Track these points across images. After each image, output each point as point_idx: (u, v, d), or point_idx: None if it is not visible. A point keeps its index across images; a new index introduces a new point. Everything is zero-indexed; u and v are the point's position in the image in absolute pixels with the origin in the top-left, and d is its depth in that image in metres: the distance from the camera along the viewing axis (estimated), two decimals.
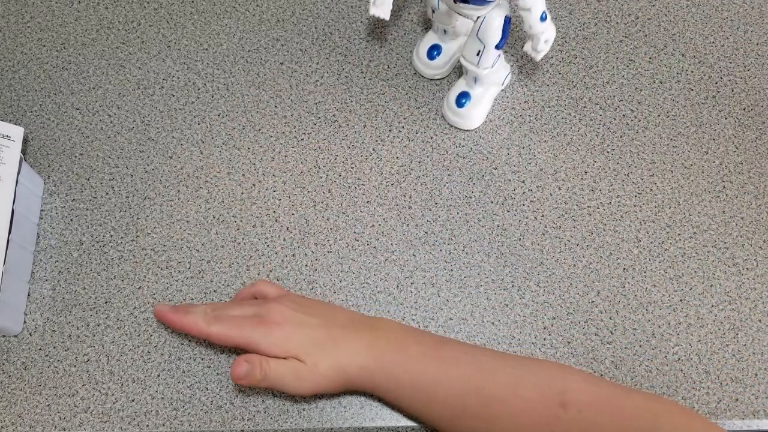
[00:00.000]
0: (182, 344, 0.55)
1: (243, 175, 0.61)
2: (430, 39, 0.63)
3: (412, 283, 0.57)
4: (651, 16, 0.68)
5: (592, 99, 0.64)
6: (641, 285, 0.57)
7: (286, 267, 0.58)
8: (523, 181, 0.61)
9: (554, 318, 0.56)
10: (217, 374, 0.54)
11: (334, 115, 0.63)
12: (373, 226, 0.59)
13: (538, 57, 0.55)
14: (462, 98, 0.60)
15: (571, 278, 0.57)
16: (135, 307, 0.57)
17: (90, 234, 0.59)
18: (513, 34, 0.66)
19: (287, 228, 0.59)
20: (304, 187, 0.61)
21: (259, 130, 0.63)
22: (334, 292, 0.57)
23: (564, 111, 0.63)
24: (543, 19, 0.52)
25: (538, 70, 0.65)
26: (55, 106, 0.64)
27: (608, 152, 0.62)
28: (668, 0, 0.68)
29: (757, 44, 0.66)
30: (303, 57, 0.66)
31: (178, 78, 0.65)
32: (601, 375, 0.54)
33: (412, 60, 0.65)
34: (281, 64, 0.66)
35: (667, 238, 0.58)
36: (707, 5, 0.68)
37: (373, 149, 0.62)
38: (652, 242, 0.58)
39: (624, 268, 0.57)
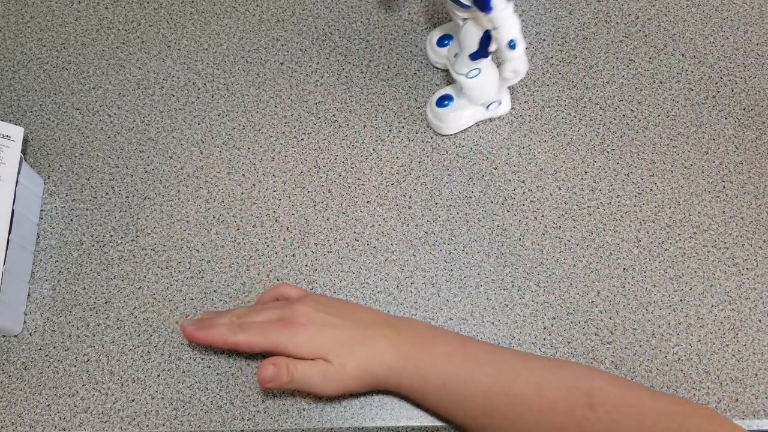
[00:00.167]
0: (182, 344, 0.55)
1: (243, 175, 0.61)
2: (446, 28, 0.63)
3: (412, 283, 0.57)
4: (651, 16, 0.68)
5: (592, 99, 0.64)
6: (641, 285, 0.57)
7: (286, 267, 0.58)
8: (523, 181, 0.61)
9: (554, 318, 0.56)
10: (217, 374, 0.54)
11: (334, 115, 0.63)
12: (373, 226, 0.59)
13: (504, 84, 0.56)
14: (445, 99, 0.60)
15: (571, 278, 0.57)
16: (135, 307, 0.57)
17: (90, 234, 0.59)
18: None
19: (287, 228, 0.59)
20: (304, 187, 0.61)
21: (259, 130, 0.63)
22: (334, 292, 0.57)
23: (564, 111, 0.63)
24: (511, 47, 0.51)
25: (538, 70, 0.65)
26: (55, 106, 0.64)
27: (608, 152, 0.62)
28: (668, 0, 0.68)
29: (757, 44, 0.66)
30: (303, 57, 0.66)
31: (178, 78, 0.65)
32: None
33: (425, 44, 0.65)
34: (281, 64, 0.66)
35: (667, 238, 0.58)
36: (707, 5, 0.68)
37: (373, 149, 0.62)
38: (652, 242, 0.58)
39: (624, 268, 0.57)
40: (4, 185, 0.55)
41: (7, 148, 0.56)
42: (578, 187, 0.60)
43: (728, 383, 0.54)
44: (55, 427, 0.53)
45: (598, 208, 0.60)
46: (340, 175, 0.61)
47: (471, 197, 0.60)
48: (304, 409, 0.53)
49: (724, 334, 0.55)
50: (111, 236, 0.59)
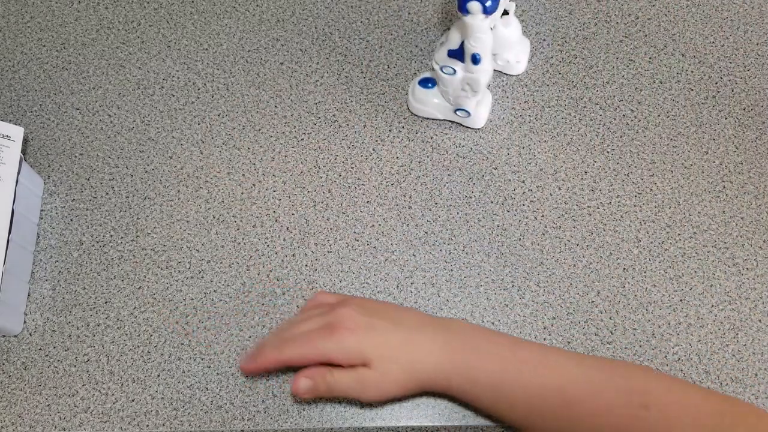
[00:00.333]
0: (182, 344, 0.55)
1: (243, 175, 0.61)
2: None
3: (412, 283, 0.57)
4: (651, 16, 0.68)
5: (592, 99, 0.64)
6: (641, 285, 0.57)
7: (286, 267, 0.58)
8: (523, 181, 0.61)
9: (554, 318, 0.56)
10: (217, 374, 0.54)
11: (334, 115, 0.63)
12: (373, 226, 0.59)
13: (464, 97, 0.57)
14: (429, 82, 0.61)
15: (571, 278, 0.57)
16: (135, 307, 0.57)
17: (90, 234, 0.59)
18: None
19: (287, 228, 0.59)
20: (304, 187, 0.61)
21: (259, 130, 0.63)
22: (334, 292, 0.57)
23: (564, 111, 0.63)
24: (474, 60, 0.53)
25: (538, 69, 0.65)
26: (55, 106, 0.64)
27: (608, 152, 0.62)
28: (668, 0, 0.68)
29: (757, 44, 0.66)
30: (303, 57, 0.66)
31: (178, 78, 0.65)
32: None
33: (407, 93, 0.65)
34: (281, 64, 0.66)
35: (667, 238, 0.58)
36: (707, 5, 0.68)
37: (373, 149, 0.62)
38: (652, 242, 0.58)
39: (624, 268, 0.57)
40: (4, 185, 0.55)
41: (7, 148, 0.56)
42: (578, 187, 0.60)
43: (728, 383, 0.54)
44: (55, 427, 0.53)
45: (598, 208, 0.60)
46: (340, 175, 0.61)
47: (471, 197, 0.60)
48: (304, 409, 0.53)
49: (724, 334, 0.55)
50: (111, 236, 0.59)
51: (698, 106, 0.64)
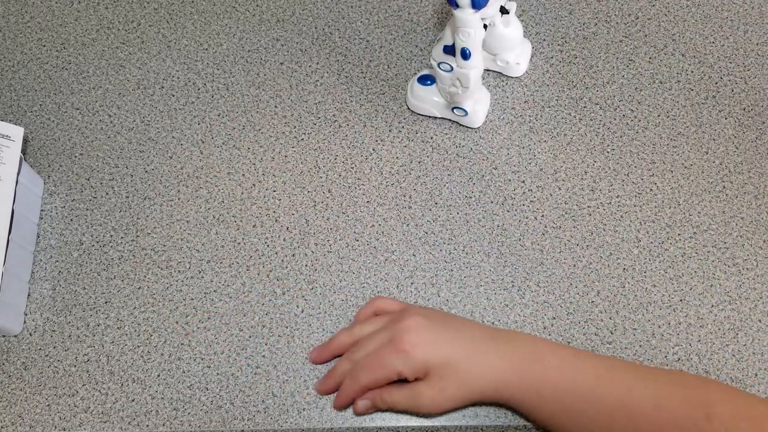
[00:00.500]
0: (182, 344, 0.55)
1: (243, 175, 0.61)
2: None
3: (412, 283, 0.57)
4: (651, 16, 0.68)
5: (592, 99, 0.64)
6: (641, 285, 0.57)
7: (286, 267, 0.58)
8: (523, 181, 0.61)
9: (554, 318, 0.56)
10: (217, 374, 0.54)
11: (334, 115, 0.63)
12: (373, 226, 0.59)
13: (454, 95, 0.57)
14: (427, 79, 0.61)
15: (571, 278, 0.57)
16: (135, 307, 0.57)
17: (90, 234, 0.59)
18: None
19: (287, 228, 0.59)
20: (304, 187, 0.61)
21: (259, 130, 0.63)
22: (334, 292, 0.57)
23: (564, 111, 0.63)
24: (464, 56, 0.53)
25: (538, 69, 0.65)
26: (55, 106, 0.65)
27: (608, 152, 0.62)
28: (668, 0, 0.68)
29: (757, 44, 0.66)
30: (303, 57, 0.66)
31: (178, 78, 0.65)
32: None
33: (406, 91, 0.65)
34: (281, 64, 0.66)
35: (667, 238, 0.58)
36: (707, 5, 0.68)
37: (373, 149, 0.62)
38: (652, 242, 0.58)
39: (624, 268, 0.57)
40: (4, 185, 0.55)
41: (7, 148, 0.56)
42: (578, 187, 0.60)
43: (728, 383, 0.54)
44: (55, 427, 0.53)
45: (598, 208, 0.60)
46: (340, 175, 0.61)
47: (471, 197, 0.60)
48: (304, 409, 0.53)
49: (724, 334, 0.55)
50: (111, 236, 0.59)
51: (698, 106, 0.64)
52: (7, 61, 0.67)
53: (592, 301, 0.56)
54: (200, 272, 0.58)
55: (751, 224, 0.59)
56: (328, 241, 0.59)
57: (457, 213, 0.59)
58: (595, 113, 0.63)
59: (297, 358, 0.55)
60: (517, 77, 0.64)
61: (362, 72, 0.65)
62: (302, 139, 0.63)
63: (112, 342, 0.56)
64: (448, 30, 0.54)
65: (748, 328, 0.55)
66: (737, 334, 0.55)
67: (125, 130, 0.63)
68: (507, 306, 0.56)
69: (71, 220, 0.60)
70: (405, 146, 0.62)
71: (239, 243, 0.59)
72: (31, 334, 0.56)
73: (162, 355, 0.55)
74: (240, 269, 0.58)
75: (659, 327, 0.55)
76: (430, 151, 0.62)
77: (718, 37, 0.67)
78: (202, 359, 0.55)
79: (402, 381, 0.50)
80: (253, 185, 0.61)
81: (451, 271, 0.58)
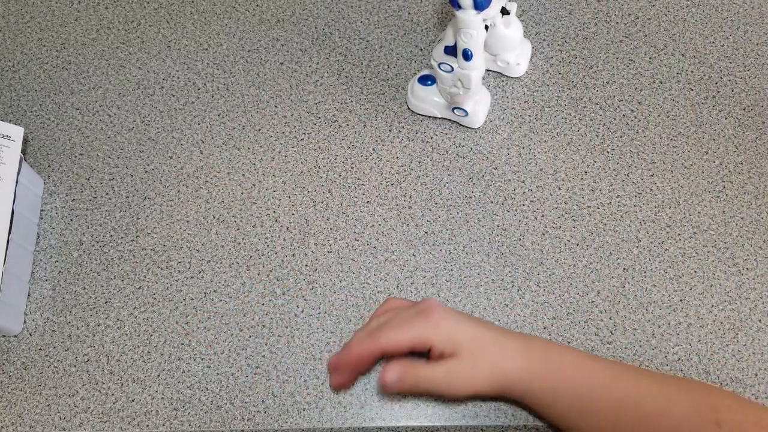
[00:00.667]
0: (182, 344, 0.55)
1: (243, 175, 0.61)
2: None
3: (412, 283, 0.57)
4: (651, 16, 0.68)
5: (592, 99, 0.64)
6: (641, 285, 0.57)
7: (286, 267, 0.58)
8: (523, 181, 0.61)
9: (554, 318, 0.56)
10: (217, 374, 0.54)
11: (334, 115, 0.63)
12: (373, 226, 0.59)
13: (455, 95, 0.57)
14: (428, 79, 0.61)
15: (571, 278, 0.57)
16: (135, 307, 0.57)
17: (90, 234, 0.59)
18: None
19: (287, 228, 0.59)
20: (304, 187, 0.61)
21: (259, 130, 0.63)
22: (334, 292, 0.57)
23: (564, 111, 0.63)
24: (466, 57, 0.53)
25: (538, 69, 0.65)
26: (55, 106, 0.65)
27: (608, 152, 0.62)
28: (668, 0, 0.68)
29: (757, 44, 0.66)
30: (303, 57, 0.66)
31: (178, 78, 0.65)
32: None
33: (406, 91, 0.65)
34: (281, 64, 0.66)
35: (667, 238, 0.58)
36: (707, 5, 0.68)
37: (373, 149, 0.62)
38: (652, 242, 0.58)
39: (624, 268, 0.57)
40: (4, 185, 0.55)
41: (7, 148, 0.56)
42: (578, 187, 0.60)
43: (728, 383, 0.54)
44: (55, 427, 0.53)
45: (598, 208, 0.60)
46: (340, 175, 0.61)
47: (471, 197, 0.60)
48: (304, 409, 0.53)
49: (724, 334, 0.55)
50: (111, 236, 0.59)
51: (698, 106, 0.64)
52: (7, 61, 0.67)
53: (592, 301, 0.56)
54: (200, 272, 0.58)
55: (751, 224, 0.59)
56: (328, 241, 0.59)
57: (457, 213, 0.59)
58: (595, 113, 0.63)
59: (297, 358, 0.55)
60: (517, 77, 0.64)
61: (362, 72, 0.65)
62: (302, 139, 0.63)
63: (112, 342, 0.56)
64: (449, 31, 0.54)
65: (748, 328, 0.55)
66: (737, 334, 0.55)
67: (125, 130, 0.63)
68: (507, 306, 0.56)
69: (71, 220, 0.60)
70: (405, 146, 0.62)
71: (239, 243, 0.59)
72: (31, 334, 0.56)
73: (162, 355, 0.55)
74: (240, 269, 0.58)
75: (659, 327, 0.55)
76: (430, 151, 0.62)
77: (718, 37, 0.67)
78: (202, 359, 0.55)
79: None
80: (253, 185, 0.61)
81: (451, 271, 0.58)
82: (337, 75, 0.65)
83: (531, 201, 0.60)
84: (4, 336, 0.56)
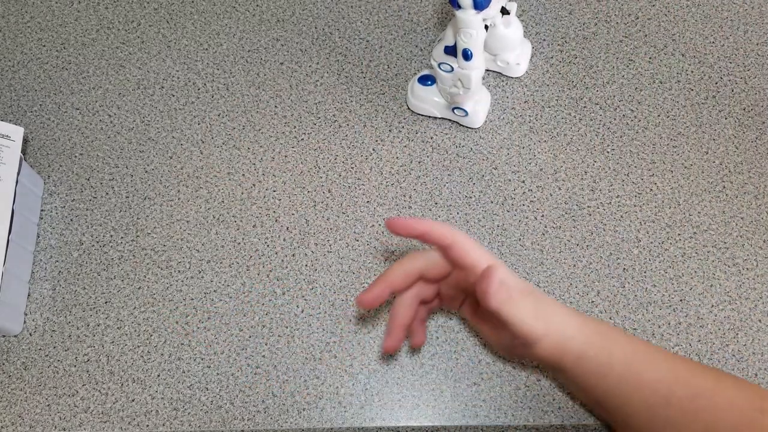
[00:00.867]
0: (182, 344, 0.55)
1: (243, 175, 0.61)
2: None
3: None
4: (651, 16, 0.68)
5: (592, 99, 0.64)
6: (641, 285, 0.57)
7: (286, 267, 0.58)
8: (523, 181, 0.61)
9: None
10: (217, 374, 0.54)
11: (334, 115, 0.63)
12: (373, 226, 0.59)
13: (456, 95, 0.57)
14: (428, 80, 0.61)
15: (571, 278, 0.57)
16: (135, 307, 0.57)
17: (90, 234, 0.59)
18: None
19: (287, 228, 0.59)
20: (304, 187, 0.61)
21: (259, 130, 0.63)
22: (334, 292, 0.57)
23: (564, 111, 0.63)
24: (465, 56, 0.53)
25: (538, 69, 0.65)
26: (55, 106, 0.65)
27: (608, 152, 0.62)
28: (668, 0, 0.68)
29: (757, 44, 0.66)
30: (303, 57, 0.66)
31: (178, 78, 0.65)
32: None
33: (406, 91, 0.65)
34: (281, 64, 0.66)
35: (667, 238, 0.58)
36: (707, 5, 0.68)
37: (373, 149, 0.62)
38: (652, 242, 0.58)
39: (624, 268, 0.57)
40: (4, 185, 0.55)
41: (7, 148, 0.56)
42: (578, 187, 0.60)
43: None
44: (55, 427, 0.53)
45: (598, 208, 0.60)
46: (340, 175, 0.61)
47: (471, 197, 0.60)
48: (304, 409, 0.53)
49: (724, 334, 0.55)
50: (111, 236, 0.59)
51: (698, 106, 0.64)
52: (7, 61, 0.67)
53: (592, 301, 0.56)
54: (200, 272, 0.58)
55: (751, 224, 0.59)
56: (328, 241, 0.59)
57: (457, 213, 0.59)
58: (595, 113, 0.63)
59: (297, 358, 0.55)
60: (517, 77, 0.64)
61: (362, 72, 0.65)
62: (302, 139, 0.63)
63: (112, 342, 0.56)
64: (449, 31, 0.54)
65: (748, 328, 0.55)
66: (737, 334, 0.55)
67: (125, 130, 0.63)
68: None
69: (71, 220, 0.60)
70: (405, 146, 0.62)
71: (239, 243, 0.59)
72: (31, 334, 0.56)
73: (162, 355, 0.55)
74: (240, 269, 0.58)
75: (659, 327, 0.55)
76: (430, 151, 0.62)
77: (718, 37, 0.67)
78: (202, 359, 0.55)
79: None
80: (253, 185, 0.61)
81: None
82: (337, 75, 0.65)
83: (531, 201, 0.60)
84: (4, 336, 0.56)
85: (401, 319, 0.49)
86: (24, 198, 0.57)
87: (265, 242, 0.59)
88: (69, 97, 0.65)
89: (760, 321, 0.55)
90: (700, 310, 0.56)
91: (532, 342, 0.46)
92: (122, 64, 0.66)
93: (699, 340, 0.55)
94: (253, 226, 0.59)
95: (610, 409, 0.49)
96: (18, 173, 0.56)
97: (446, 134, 0.62)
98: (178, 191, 0.61)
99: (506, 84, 0.64)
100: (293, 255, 0.58)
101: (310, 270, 0.58)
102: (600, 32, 0.67)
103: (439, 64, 0.56)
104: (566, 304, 0.55)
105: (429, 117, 0.63)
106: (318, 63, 0.66)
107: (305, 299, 0.57)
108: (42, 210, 0.60)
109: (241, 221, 0.59)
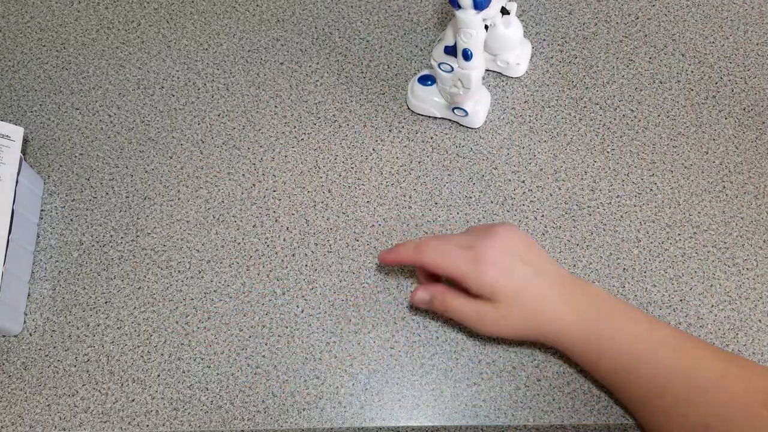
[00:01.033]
0: (182, 344, 0.55)
1: (243, 175, 0.61)
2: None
3: (412, 283, 0.57)
4: (651, 16, 0.68)
5: (592, 99, 0.64)
6: (641, 285, 0.57)
7: (286, 267, 0.58)
8: (523, 181, 0.61)
9: None
10: (217, 374, 0.54)
11: (334, 115, 0.63)
12: (373, 226, 0.59)
13: (456, 95, 0.57)
14: (428, 80, 0.61)
15: None
16: (135, 307, 0.57)
17: (90, 234, 0.59)
18: None
19: (287, 228, 0.59)
20: (304, 187, 0.61)
21: (259, 130, 0.63)
22: (334, 292, 0.57)
23: (564, 111, 0.63)
24: (465, 56, 0.53)
25: (538, 69, 0.65)
26: (55, 106, 0.65)
27: (608, 152, 0.62)
28: (668, 0, 0.68)
29: (757, 44, 0.66)
30: (303, 57, 0.66)
31: (178, 78, 0.65)
32: None
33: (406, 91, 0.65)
34: (281, 64, 0.66)
35: (667, 238, 0.58)
36: (707, 5, 0.68)
37: (373, 149, 0.62)
38: (652, 242, 0.58)
39: (624, 268, 0.57)
40: (4, 185, 0.55)
41: (7, 148, 0.56)
42: (578, 187, 0.60)
43: None
44: (55, 427, 0.53)
45: (598, 208, 0.60)
46: (340, 175, 0.61)
47: (471, 197, 0.60)
48: (304, 409, 0.53)
49: (724, 334, 0.55)
50: (111, 236, 0.59)
51: (698, 106, 0.64)
52: (7, 61, 0.67)
53: None
54: (200, 272, 0.58)
55: (751, 224, 0.59)
56: (328, 241, 0.59)
57: (457, 213, 0.59)
58: (595, 113, 0.63)
59: (297, 358, 0.55)
60: (517, 77, 0.64)
61: (362, 72, 0.65)
62: (302, 139, 0.63)
63: (112, 342, 0.56)
64: (449, 31, 0.54)
65: (748, 328, 0.55)
66: (737, 334, 0.55)
67: (125, 130, 0.63)
68: None
69: (71, 220, 0.60)
70: (405, 146, 0.62)
71: (239, 243, 0.59)
72: (31, 334, 0.56)
73: (162, 355, 0.55)
74: (240, 269, 0.58)
75: None
76: (430, 151, 0.62)
77: (718, 37, 0.67)
78: (202, 359, 0.55)
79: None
80: (253, 185, 0.61)
81: None
82: (337, 75, 0.65)
83: (531, 201, 0.60)
84: (4, 336, 0.56)
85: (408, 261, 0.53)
86: (24, 198, 0.57)
87: (265, 242, 0.59)
88: (69, 97, 0.65)
89: (760, 321, 0.55)
90: (700, 310, 0.56)
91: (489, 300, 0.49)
92: (122, 64, 0.66)
93: None
94: (253, 226, 0.59)
95: (610, 388, 0.50)
96: (18, 173, 0.56)
97: (446, 134, 0.62)
98: (178, 191, 0.61)
99: (506, 84, 0.64)
100: (293, 255, 0.58)
101: (310, 270, 0.58)
102: (600, 32, 0.67)
103: (439, 64, 0.56)
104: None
105: (429, 117, 0.63)
106: (318, 63, 0.66)
107: (305, 299, 0.57)
108: (42, 210, 0.60)
109: (241, 221, 0.60)
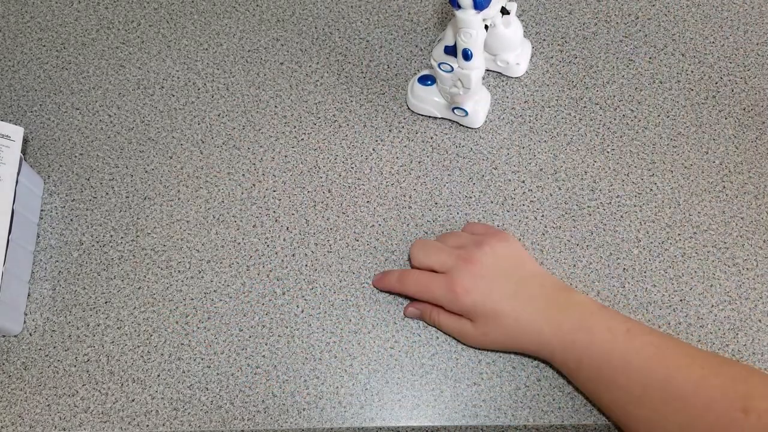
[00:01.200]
0: (182, 344, 0.55)
1: (243, 175, 0.61)
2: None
3: None
4: (651, 16, 0.68)
5: (592, 99, 0.64)
6: (641, 285, 0.57)
7: (286, 267, 0.58)
8: (523, 181, 0.61)
9: None
10: (217, 374, 0.54)
11: (334, 115, 0.63)
12: (373, 226, 0.59)
13: (456, 95, 0.57)
14: (428, 79, 0.61)
15: (571, 278, 0.57)
16: (135, 307, 0.57)
17: (90, 234, 0.59)
18: None
19: (287, 228, 0.59)
20: (304, 187, 0.61)
21: (259, 130, 0.63)
22: (334, 292, 0.57)
23: (564, 111, 0.63)
24: (465, 57, 0.53)
25: (538, 69, 0.65)
26: (55, 106, 0.65)
27: (608, 152, 0.62)
28: (668, 0, 0.68)
29: (757, 44, 0.66)
30: (303, 57, 0.66)
31: (178, 78, 0.65)
32: None
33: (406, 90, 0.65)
34: (281, 64, 0.66)
35: (667, 238, 0.58)
36: (707, 5, 0.68)
37: (373, 149, 0.62)
38: (652, 242, 0.58)
39: (624, 268, 0.57)
40: (4, 185, 0.55)
41: (7, 148, 0.56)
42: (578, 187, 0.60)
43: None
44: (55, 427, 0.53)
45: (598, 208, 0.60)
46: (340, 175, 0.61)
47: (471, 197, 0.60)
48: (304, 409, 0.53)
49: (724, 334, 0.55)
50: (111, 236, 0.59)
51: (698, 106, 0.64)
52: (7, 61, 0.67)
53: None
54: (200, 272, 0.58)
55: (751, 224, 0.59)
56: (328, 241, 0.59)
57: (457, 213, 0.59)
58: (595, 113, 0.63)
59: (297, 358, 0.55)
60: (517, 77, 0.64)
61: (362, 72, 0.65)
62: (302, 139, 0.63)
63: (112, 342, 0.56)
64: (449, 31, 0.54)
65: (748, 328, 0.55)
66: (737, 334, 0.55)
67: (125, 130, 0.63)
68: None
69: (71, 220, 0.60)
70: (405, 146, 0.62)
71: (239, 243, 0.59)
72: (31, 334, 0.56)
73: (162, 355, 0.55)
74: (240, 269, 0.58)
75: (659, 327, 0.55)
76: (430, 151, 0.62)
77: (718, 37, 0.67)
78: (202, 359, 0.55)
79: None
80: (253, 185, 0.61)
81: None
82: (337, 75, 0.65)
83: (531, 201, 0.60)
84: (4, 336, 0.56)
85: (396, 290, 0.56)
86: (24, 198, 0.57)
87: (265, 242, 0.59)
88: (69, 97, 0.65)
89: (760, 321, 0.55)
90: (700, 310, 0.56)
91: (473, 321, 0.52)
92: (122, 64, 0.66)
93: (699, 340, 0.55)
94: (253, 226, 0.59)
95: (587, 396, 0.52)
96: (18, 173, 0.56)
97: (446, 134, 0.62)
98: (178, 191, 0.61)
99: (506, 84, 0.64)
100: (293, 255, 0.58)
101: (310, 270, 0.58)
102: (600, 32, 0.67)
103: (439, 64, 0.56)
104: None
105: (429, 117, 0.63)
106: (318, 63, 0.66)
107: (305, 299, 0.57)
108: (42, 210, 0.60)
109: (241, 221, 0.60)
